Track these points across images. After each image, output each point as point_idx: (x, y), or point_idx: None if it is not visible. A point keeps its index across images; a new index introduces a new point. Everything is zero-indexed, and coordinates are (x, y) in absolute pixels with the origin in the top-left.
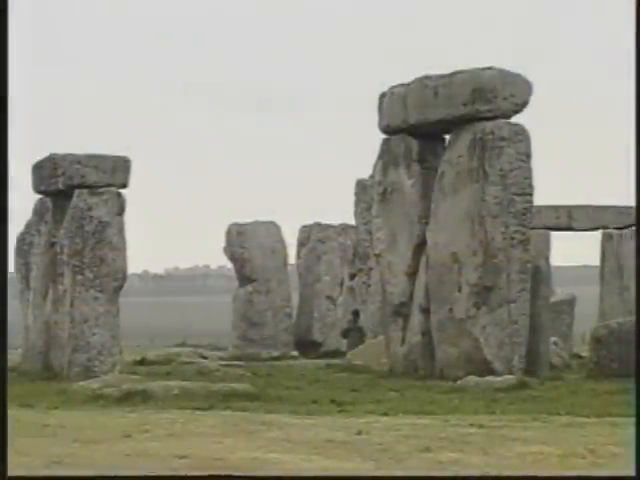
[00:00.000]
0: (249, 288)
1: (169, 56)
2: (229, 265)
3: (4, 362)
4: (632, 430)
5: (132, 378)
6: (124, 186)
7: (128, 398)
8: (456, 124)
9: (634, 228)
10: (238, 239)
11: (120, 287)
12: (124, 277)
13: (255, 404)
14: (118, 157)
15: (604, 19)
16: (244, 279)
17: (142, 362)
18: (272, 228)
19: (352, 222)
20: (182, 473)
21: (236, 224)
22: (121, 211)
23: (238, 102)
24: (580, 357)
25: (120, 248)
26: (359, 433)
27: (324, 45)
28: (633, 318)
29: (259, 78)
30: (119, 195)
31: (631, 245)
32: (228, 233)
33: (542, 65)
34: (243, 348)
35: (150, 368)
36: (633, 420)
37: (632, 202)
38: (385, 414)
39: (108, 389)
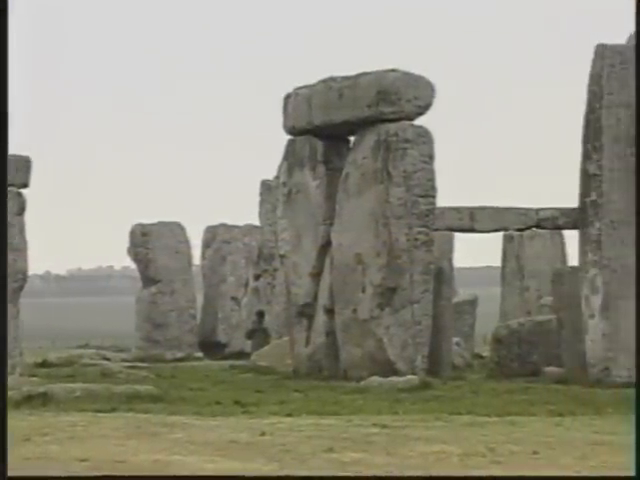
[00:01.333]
0: (153, 289)
1: (71, 54)
2: (133, 266)
3: (4, 362)
4: (530, 429)
5: (33, 380)
6: (25, 186)
7: (28, 401)
8: (361, 126)
9: (534, 229)
10: (142, 240)
11: (20, 288)
12: (24, 278)
13: (158, 406)
14: (18, 157)
15: (508, 20)
16: (148, 280)
17: (43, 364)
18: (177, 229)
19: (257, 223)
20: (82, 476)
21: (140, 225)
22: (21, 211)
23: (143, 100)
24: (481, 357)
25: (21, 249)
26: (263, 434)
27: (229, 43)
28: (533, 318)
29: (164, 76)
30: (19, 195)
31: (531, 246)
32: (132, 234)
33: (445, 67)
34: (147, 349)
35: (51, 370)
36: (532, 419)
37: (534, 204)
38: (289, 415)
39: (8, 392)
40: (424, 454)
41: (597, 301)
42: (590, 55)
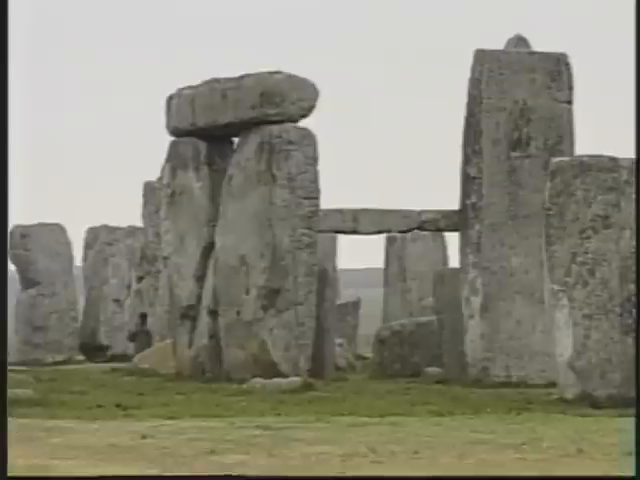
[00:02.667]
0: (33, 291)
1: None
2: (12, 268)
3: (4, 362)
4: (410, 429)
5: None
6: None
7: None
8: (244, 127)
9: (417, 231)
10: (21, 241)
11: None
12: None
13: (38, 410)
14: None
15: (391, 23)
16: (28, 282)
17: None
18: (57, 230)
19: (140, 224)
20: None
21: (19, 226)
22: None
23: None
24: (364, 358)
25: None
26: (144, 437)
27: (109, 43)
28: (414, 319)
29: (64, 76)
30: None
31: (414, 248)
32: (11, 235)
33: (329, 69)
34: (26, 353)
35: None
36: (413, 419)
37: (416, 206)
38: (171, 418)
39: None
40: (306, 455)
41: (477, 302)
42: (469, 60)
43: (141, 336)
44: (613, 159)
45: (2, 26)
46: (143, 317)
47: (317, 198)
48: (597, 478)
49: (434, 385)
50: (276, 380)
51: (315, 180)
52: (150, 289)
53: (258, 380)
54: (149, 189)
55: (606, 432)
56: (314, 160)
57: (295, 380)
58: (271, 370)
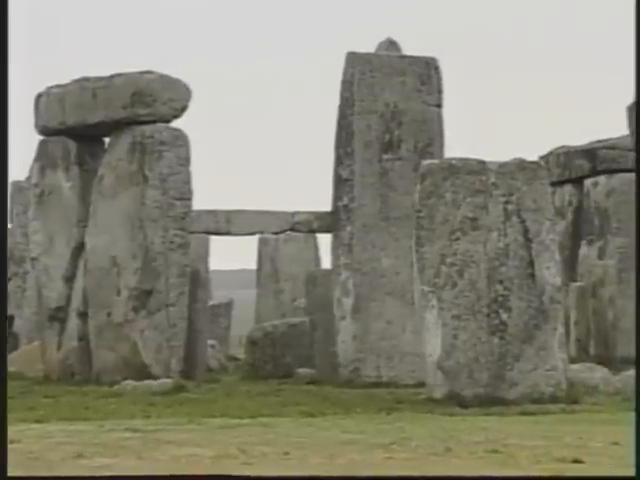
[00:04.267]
0: None
1: None
2: None
3: (4, 361)
4: (281, 429)
5: None
6: None
7: None
8: (115, 127)
9: (289, 233)
10: None
11: None
12: None
13: None
14: None
15: (265, 26)
16: None
17: None
18: None
19: (8, 225)
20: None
21: None
22: None
23: None
24: (236, 359)
25: None
26: (11, 442)
27: None
28: (287, 320)
29: None
30: None
31: (286, 249)
32: None
33: (203, 69)
34: None
35: None
36: (284, 420)
37: (289, 207)
38: (38, 421)
39: None
40: (175, 457)
41: (348, 303)
42: (342, 62)
43: (8, 338)
44: (481, 162)
45: (2, 26)
46: (10, 319)
47: (189, 199)
48: (597, 478)
49: (306, 386)
50: (147, 382)
51: (188, 181)
52: (18, 291)
53: (129, 382)
54: (16, 189)
55: (473, 431)
56: (186, 161)
57: (166, 382)
58: (142, 372)
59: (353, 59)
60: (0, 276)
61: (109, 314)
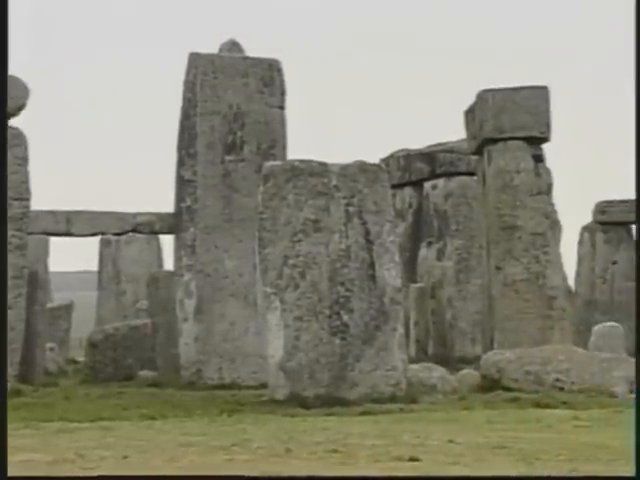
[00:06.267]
0: None
1: None
2: None
3: (4, 362)
4: (121, 433)
5: None
6: None
7: None
8: None
9: (132, 234)
10: None
11: None
12: None
13: None
14: None
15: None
16: None
17: None
18: None
19: None
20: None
21: None
22: None
23: None
24: (76, 362)
25: None
26: None
27: None
28: (128, 322)
29: None
30: None
31: (128, 250)
32: None
33: (43, 67)
34: None
35: None
36: (124, 423)
37: (131, 209)
38: None
39: None
40: (11, 463)
41: (191, 305)
42: (184, 63)
43: None
44: (323, 164)
45: (2, 26)
46: None
47: (28, 199)
48: (597, 478)
49: (147, 388)
50: None
51: (26, 181)
52: None
53: None
54: None
55: (313, 431)
56: (24, 160)
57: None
58: None
59: (196, 60)
60: (0, 277)
61: None
